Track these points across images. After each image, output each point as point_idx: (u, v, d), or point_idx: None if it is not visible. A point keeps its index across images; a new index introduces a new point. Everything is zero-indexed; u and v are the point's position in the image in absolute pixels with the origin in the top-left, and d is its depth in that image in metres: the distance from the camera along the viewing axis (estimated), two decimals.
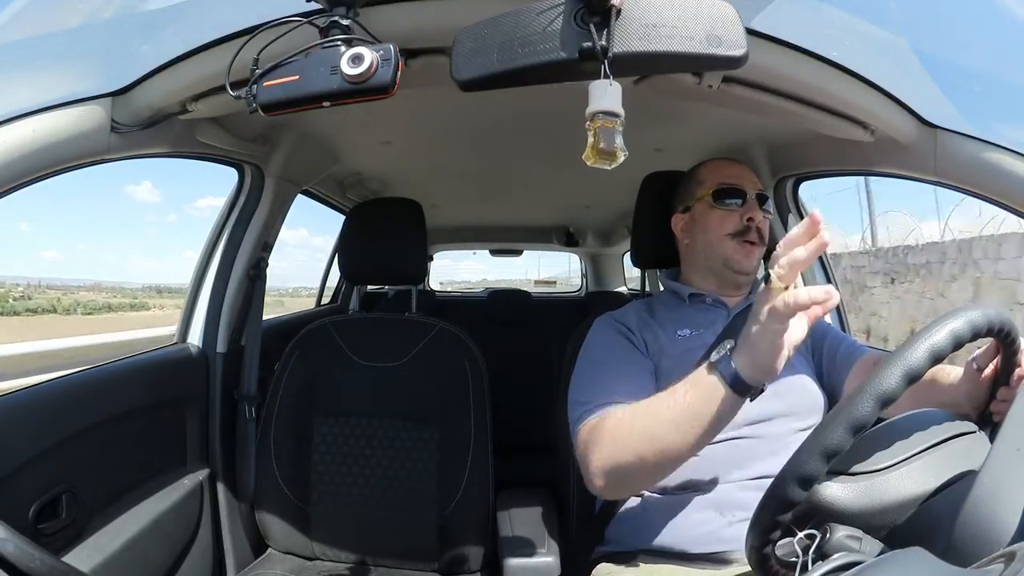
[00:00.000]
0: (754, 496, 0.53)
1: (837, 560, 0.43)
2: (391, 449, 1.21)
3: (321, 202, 1.99)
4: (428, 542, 1.18)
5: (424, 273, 1.95)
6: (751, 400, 0.67)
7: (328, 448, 1.22)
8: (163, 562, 1.08)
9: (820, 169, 1.27)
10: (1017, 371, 0.61)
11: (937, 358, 0.48)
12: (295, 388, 1.25)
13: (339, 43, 0.60)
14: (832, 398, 0.96)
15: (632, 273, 3.33)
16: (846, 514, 0.46)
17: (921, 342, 0.48)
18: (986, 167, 0.82)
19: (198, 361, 1.25)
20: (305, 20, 0.63)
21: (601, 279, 3.47)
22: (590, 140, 0.53)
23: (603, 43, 0.53)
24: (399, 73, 0.59)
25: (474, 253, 3.91)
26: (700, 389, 0.67)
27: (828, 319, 1.36)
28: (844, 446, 0.46)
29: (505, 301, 2.72)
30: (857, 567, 0.40)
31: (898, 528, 0.46)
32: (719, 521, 0.86)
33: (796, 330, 0.61)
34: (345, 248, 1.38)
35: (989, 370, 0.65)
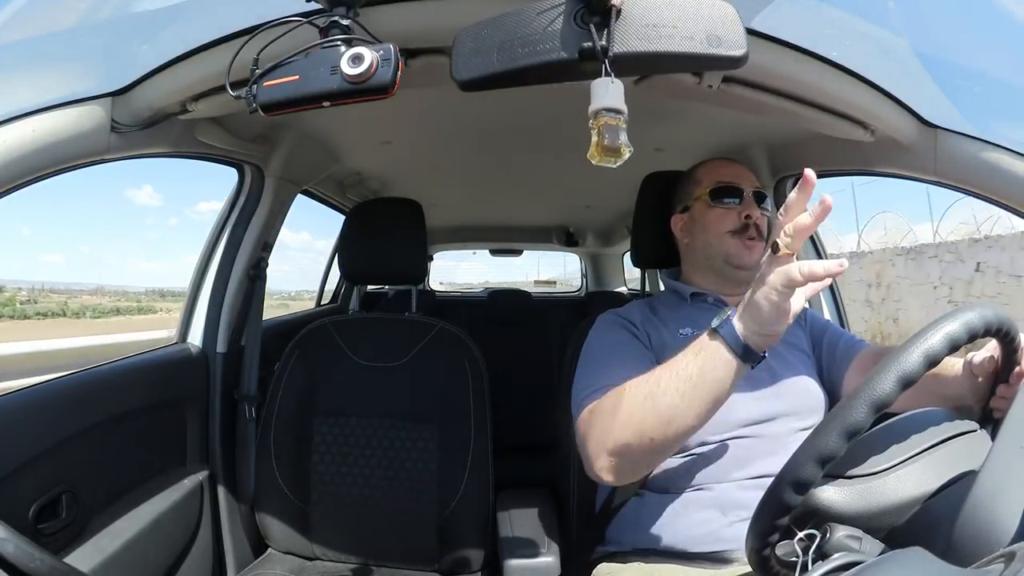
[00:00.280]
0: (755, 496, 0.53)
1: (837, 560, 0.43)
2: (391, 449, 1.21)
3: (321, 202, 1.99)
4: (428, 542, 1.18)
5: (424, 273, 1.95)
6: (752, 368, 0.68)
7: (328, 448, 1.22)
8: (163, 562, 1.08)
9: (820, 169, 1.26)
10: (1017, 369, 0.61)
11: (932, 362, 0.47)
12: (295, 388, 1.25)
13: (339, 43, 0.60)
14: (832, 394, 0.96)
15: (632, 273, 3.33)
16: (843, 517, 0.46)
17: (916, 346, 0.48)
18: (986, 167, 0.82)
19: (198, 361, 1.25)
20: (305, 20, 0.63)
21: (601, 279, 3.47)
22: (594, 138, 0.53)
23: (603, 43, 0.53)
24: (399, 73, 0.59)
25: (474, 253, 3.91)
26: (703, 354, 0.67)
27: (828, 315, 1.36)
28: (839, 452, 0.46)
29: (505, 301, 2.72)
30: (857, 567, 0.39)
31: (898, 528, 0.46)
32: (720, 521, 0.86)
33: (798, 299, 0.63)
34: (345, 248, 1.38)
35: (990, 367, 0.65)
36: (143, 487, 1.07)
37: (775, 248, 0.59)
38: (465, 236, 3.24)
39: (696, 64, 0.62)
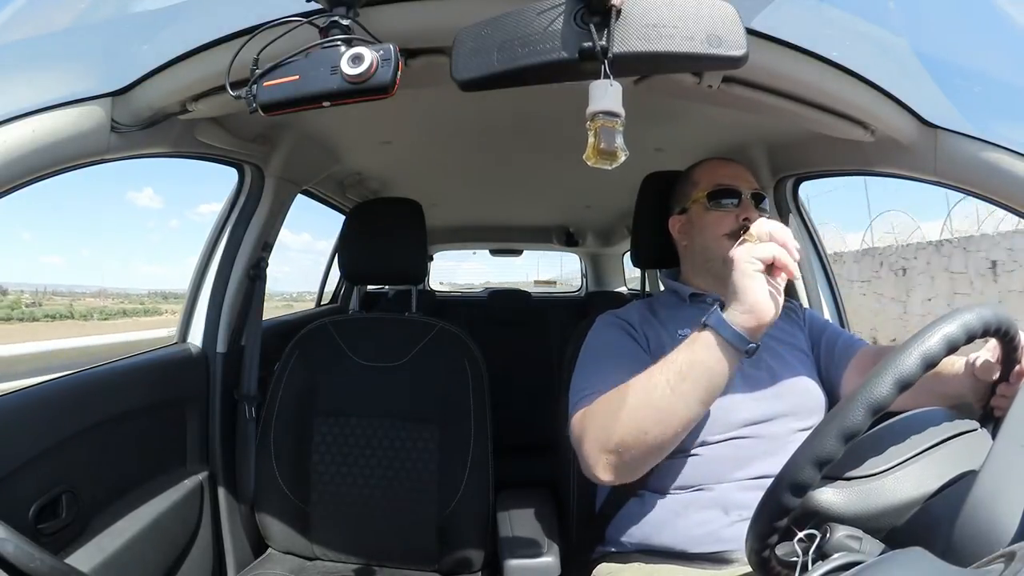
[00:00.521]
0: (755, 496, 0.53)
1: (837, 560, 0.43)
2: (391, 449, 1.21)
3: (321, 202, 1.99)
4: (428, 542, 1.18)
5: (424, 273, 1.95)
6: (747, 356, 0.70)
7: (328, 448, 1.22)
8: (163, 562, 1.08)
9: (820, 169, 1.27)
10: (1017, 368, 0.60)
11: (930, 364, 0.47)
12: (295, 388, 1.25)
13: (339, 43, 0.60)
14: (832, 393, 0.97)
15: (632, 273, 3.33)
16: (842, 518, 0.46)
17: (914, 348, 0.47)
18: (986, 167, 0.82)
19: (198, 361, 1.25)
20: (305, 20, 0.63)
21: (601, 279, 3.47)
22: (591, 140, 0.53)
23: (603, 43, 0.53)
24: (399, 73, 0.59)
25: (474, 253, 3.91)
26: (693, 346, 0.69)
27: (827, 315, 1.36)
28: (836, 454, 0.46)
29: (505, 301, 2.72)
30: (857, 567, 0.39)
31: (898, 528, 0.46)
32: (720, 521, 0.86)
33: (778, 282, 0.69)
34: (345, 248, 1.38)
35: (991, 368, 0.65)
36: (143, 487, 1.07)
37: (744, 230, 0.69)
38: (465, 236, 3.24)
39: (696, 64, 0.62)
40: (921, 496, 0.47)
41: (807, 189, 1.43)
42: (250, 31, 0.67)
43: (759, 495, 0.51)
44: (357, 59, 0.58)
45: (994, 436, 0.45)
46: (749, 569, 0.53)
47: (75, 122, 0.75)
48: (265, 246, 1.36)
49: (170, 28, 0.82)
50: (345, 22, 0.62)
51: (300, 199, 1.54)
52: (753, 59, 0.57)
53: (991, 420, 0.61)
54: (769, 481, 0.50)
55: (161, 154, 0.97)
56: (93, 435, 0.95)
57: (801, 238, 1.41)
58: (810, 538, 0.45)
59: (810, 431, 0.50)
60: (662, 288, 1.13)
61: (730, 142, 1.40)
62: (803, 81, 0.82)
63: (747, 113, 0.98)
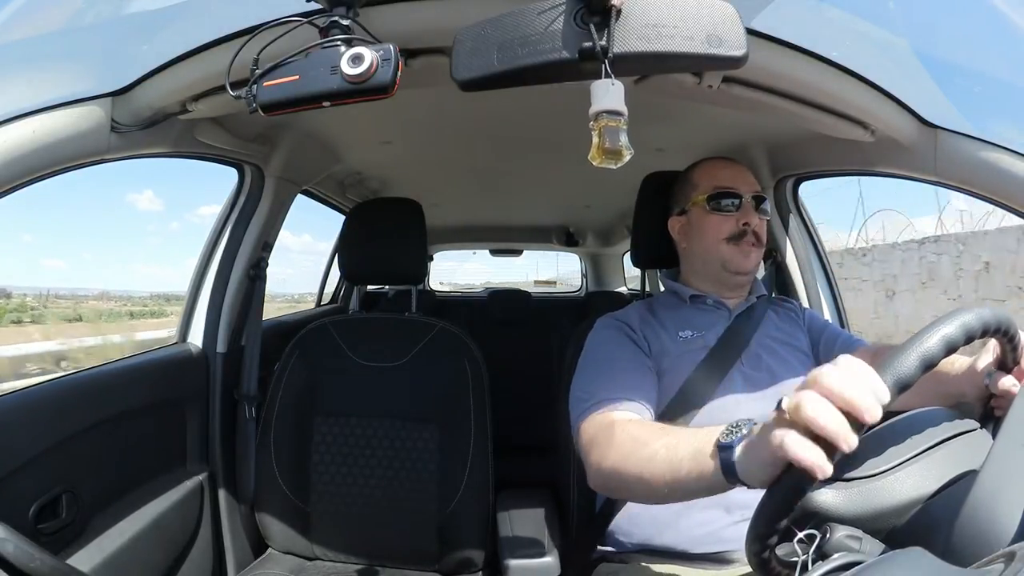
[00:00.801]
0: (756, 496, 0.53)
1: (837, 560, 0.43)
2: (391, 449, 1.21)
3: (321, 202, 1.99)
4: (428, 542, 1.18)
5: (424, 273, 1.94)
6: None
7: (328, 448, 1.22)
8: (163, 562, 1.08)
9: (820, 169, 1.27)
10: (1018, 367, 0.60)
11: (928, 366, 0.47)
12: (295, 388, 1.25)
13: (339, 43, 0.60)
14: None
15: (632, 273, 3.33)
16: (842, 519, 0.46)
17: (911, 351, 0.47)
18: (986, 167, 0.82)
19: (198, 361, 1.25)
20: (305, 20, 0.63)
21: (601, 279, 3.47)
22: (595, 140, 0.53)
23: (603, 43, 0.53)
24: (399, 73, 0.59)
25: (474, 253, 3.91)
26: (698, 459, 0.60)
27: (827, 315, 1.36)
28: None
29: (505, 301, 2.72)
30: (857, 567, 0.39)
31: (898, 529, 0.46)
32: (721, 521, 0.87)
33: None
34: (345, 248, 1.38)
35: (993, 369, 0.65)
36: (143, 487, 1.07)
37: (779, 407, 0.48)
38: (465, 236, 3.24)
39: (696, 64, 0.62)
40: (921, 496, 0.47)
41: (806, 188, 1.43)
42: (250, 31, 0.67)
43: (760, 495, 0.51)
44: (357, 59, 0.58)
45: (994, 436, 0.45)
46: (750, 569, 0.53)
47: (75, 122, 0.75)
48: (265, 246, 1.36)
49: (170, 28, 0.82)
50: (345, 22, 0.62)
51: (299, 199, 1.54)
52: (753, 59, 0.57)
53: (991, 420, 0.61)
54: None
55: (161, 154, 0.97)
56: (93, 435, 0.95)
57: (801, 238, 1.41)
58: (810, 538, 0.45)
59: None
60: (662, 288, 1.13)
61: (730, 142, 1.40)
62: (803, 81, 0.82)
63: (747, 113, 0.98)
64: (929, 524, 0.45)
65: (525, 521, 1.20)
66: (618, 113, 0.53)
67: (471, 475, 1.18)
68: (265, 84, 0.62)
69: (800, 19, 0.79)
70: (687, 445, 0.61)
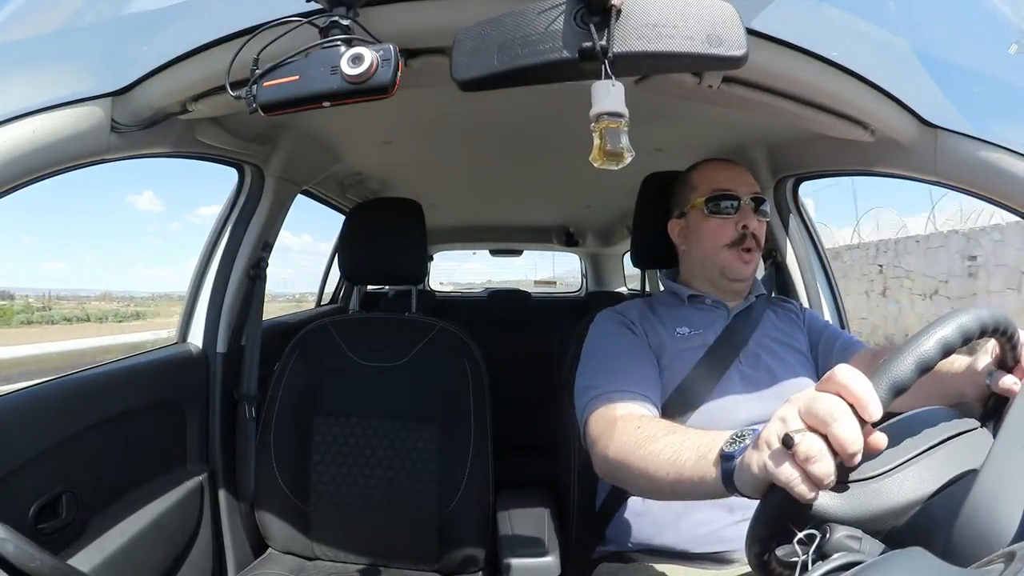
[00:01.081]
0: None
1: (837, 560, 0.43)
2: (391, 449, 1.21)
3: (321, 202, 1.99)
4: (428, 542, 1.18)
5: (424, 273, 1.94)
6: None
7: (328, 448, 1.22)
8: (163, 562, 1.08)
9: (820, 169, 1.27)
10: (1017, 367, 0.60)
11: (925, 369, 0.47)
12: (295, 388, 1.25)
13: (339, 43, 0.60)
14: None
15: (632, 273, 3.33)
16: (842, 521, 0.46)
17: (908, 354, 0.47)
18: (986, 167, 0.82)
19: (198, 361, 1.25)
20: (305, 20, 0.63)
21: (601, 279, 3.47)
22: (596, 142, 0.53)
23: (603, 43, 0.53)
24: (399, 73, 0.59)
25: (474, 253, 3.91)
26: (701, 464, 0.60)
27: (827, 316, 1.36)
28: None
29: (505, 301, 2.72)
30: (857, 567, 0.39)
31: (898, 529, 0.46)
32: (722, 521, 0.87)
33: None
34: (345, 248, 1.38)
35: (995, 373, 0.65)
36: (143, 487, 1.07)
37: (787, 443, 0.45)
38: (465, 236, 3.24)
39: (696, 64, 0.62)
40: (921, 497, 0.47)
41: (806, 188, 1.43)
42: (250, 31, 0.67)
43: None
44: (357, 59, 0.58)
45: (994, 436, 0.45)
46: (750, 569, 0.53)
47: (75, 122, 0.75)
48: (265, 246, 1.36)
49: (170, 28, 0.81)
50: (345, 22, 0.62)
51: (300, 199, 1.54)
52: (753, 59, 0.57)
53: (991, 420, 0.61)
54: None
55: (161, 154, 0.97)
56: (93, 435, 0.95)
57: (801, 238, 1.41)
58: (810, 538, 0.45)
59: None
60: (661, 288, 1.13)
61: (730, 142, 1.40)
62: (803, 81, 0.82)
63: (747, 113, 0.98)
64: (929, 524, 0.45)
65: (525, 521, 1.20)
66: (619, 115, 0.53)
67: (471, 475, 1.18)
68: (265, 84, 0.62)
69: (800, 19, 0.79)
70: (692, 448, 0.62)
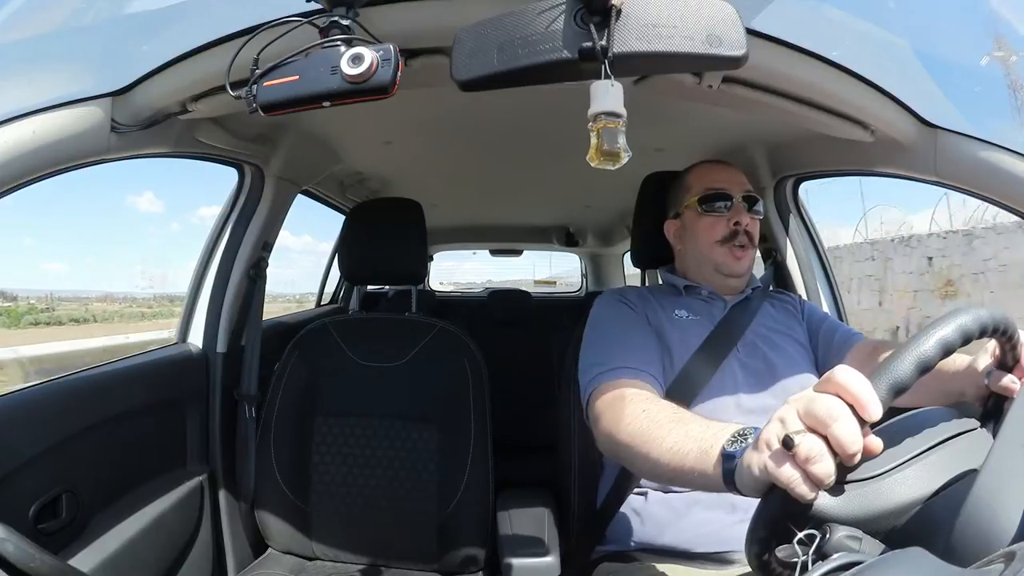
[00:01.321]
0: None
1: (837, 560, 0.42)
2: (391, 449, 1.21)
3: (321, 202, 1.99)
4: (428, 542, 1.18)
5: (424, 273, 1.94)
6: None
7: (328, 448, 1.22)
8: (163, 562, 1.08)
9: (820, 169, 1.28)
10: (1017, 367, 0.60)
11: (925, 369, 0.47)
12: (295, 388, 1.25)
13: (339, 43, 0.60)
14: None
15: (632, 272, 3.33)
16: (841, 521, 0.46)
17: (908, 354, 0.47)
18: (986, 167, 0.82)
19: (198, 361, 1.25)
20: (305, 20, 0.63)
21: (601, 279, 3.47)
22: (593, 141, 0.53)
23: (603, 43, 0.53)
24: (399, 73, 0.59)
25: (474, 253, 3.91)
26: (702, 460, 0.60)
27: (825, 308, 1.36)
28: None
29: (505, 301, 2.71)
30: (857, 567, 0.39)
31: (898, 529, 0.46)
32: (723, 521, 0.87)
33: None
34: (345, 248, 1.38)
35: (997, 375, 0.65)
36: (143, 487, 1.07)
37: (787, 444, 0.45)
38: (465, 236, 3.24)
39: (696, 64, 0.62)
40: (921, 497, 0.47)
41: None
42: (250, 31, 0.67)
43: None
44: (357, 59, 0.58)
45: (994, 436, 0.45)
46: (751, 569, 0.53)
47: (75, 122, 0.75)
48: (265, 246, 1.36)
49: (170, 28, 0.82)
50: (345, 22, 0.62)
51: (300, 199, 1.54)
52: (753, 59, 0.57)
53: (991, 420, 0.61)
54: None
55: (161, 154, 0.97)
56: (93, 435, 0.95)
57: (801, 238, 1.41)
58: (810, 539, 0.45)
59: None
60: (660, 282, 1.14)
61: (730, 142, 1.40)
62: (803, 81, 0.82)
63: (747, 113, 0.98)
64: (929, 524, 0.45)
65: (525, 521, 1.20)
66: (617, 115, 0.53)
67: (471, 475, 1.18)
68: (265, 84, 0.62)
69: (800, 19, 0.79)
70: (695, 440, 0.62)
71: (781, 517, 0.47)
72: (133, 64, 0.79)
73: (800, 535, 0.46)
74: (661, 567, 0.87)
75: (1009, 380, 0.60)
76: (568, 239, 3.15)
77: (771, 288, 1.14)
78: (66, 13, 0.88)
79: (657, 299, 1.03)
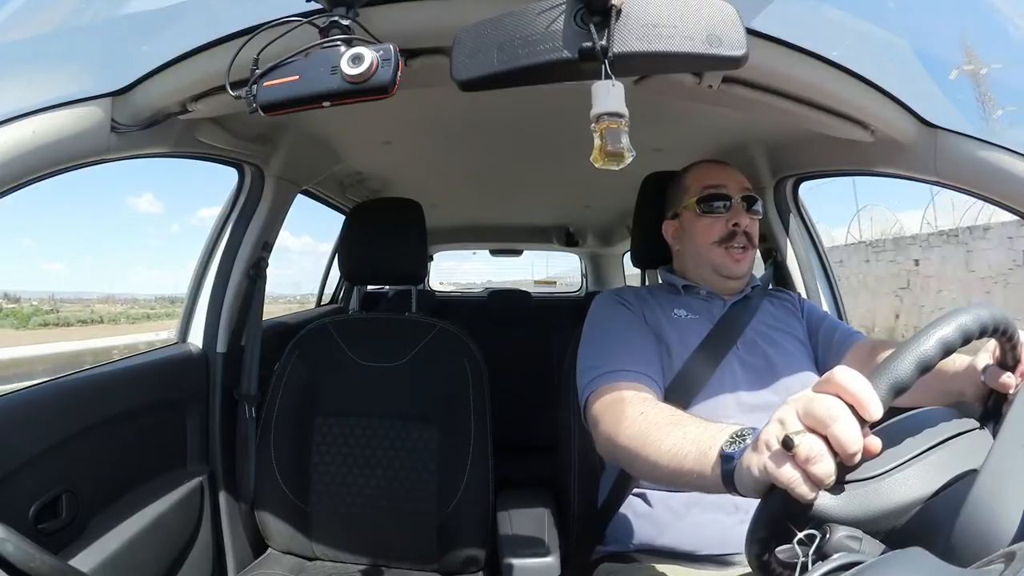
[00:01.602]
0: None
1: (837, 560, 0.42)
2: (391, 449, 1.21)
3: (321, 202, 1.99)
4: (428, 542, 1.18)
5: (424, 273, 1.94)
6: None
7: (328, 448, 1.22)
8: (163, 562, 1.08)
9: (820, 169, 1.28)
10: (1019, 367, 0.60)
11: (925, 369, 0.47)
12: (295, 388, 1.25)
13: (339, 43, 0.60)
14: None
15: (632, 272, 3.33)
16: (841, 521, 0.46)
17: (908, 354, 0.47)
18: (986, 167, 0.82)
19: (198, 361, 1.25)
20: (305, 20, 0.63)
21: (601, 279, 3.47)
22: (596, 142, 0.53)
23: (603, 43, 0.53)
24: (399, 73, 0.59)
25: (474, 253, 3.91)
26: (701, 461, 0.60)
27: (825, 307, 1.36)
28: None
29: (505, 301, 2.72)
30: (857, 567, 0.39)
31: (898, 529, 0.46)
32: (723, 522, 0.86)
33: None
34: (345, 248, 1.38)
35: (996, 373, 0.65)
36: (143, 487, 1.07)
37: (787, 444, 0.45)
38: (465, 236, 3.24)
39: (696, 64, 0.62)
40: (921, 497, 0.46)
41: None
42: (250, 31, 0.67)
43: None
44: (357, 59, 0.58)
45: (994, 436, 0.45)
46: (751, 570, 0.53)
47: (75, 122, 0.75)
48: (265, 246, 1.36)
49: (170, 28, 0.82)
50: (345, 22, 0.62)
51: (300, 200, 1.54)
52: (753, 59, 0.57)
53: (991, 420, 0.61)
54: None
55: (161, 154, 0.97)
56: (93, 435, 0.95)
57: (801, 238, 1.41)
58: (810, 539, 0.45)
59: None
60: (660, 282, 1.14)
61: (730, 142, 1.40)
62: (803, 81, 0.82)
63: (747, 113, 0.98)
64: (929, 524, 0.45)
65: (525, 521, 1.20)
66: (619, 115, 0.53)
67: (471, 475, 1.18)
68: (265, 84, 0.62)
69: (800, 19, 0.79)
70: (693, 442, 0.62)
71: (781, 517, 0.47)
72: (133, 64, 0.79)
73: (800, 535, 0.45)
74: (661, 568, 0.87)
75: (1006, 376, 0.60)
76: (568, 239, 3.15)
77: (770, 287, 1.14)
78: (66, 13, 0.88)
79: (655, 299, 1.03)
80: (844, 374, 0.46)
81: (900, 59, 0.89)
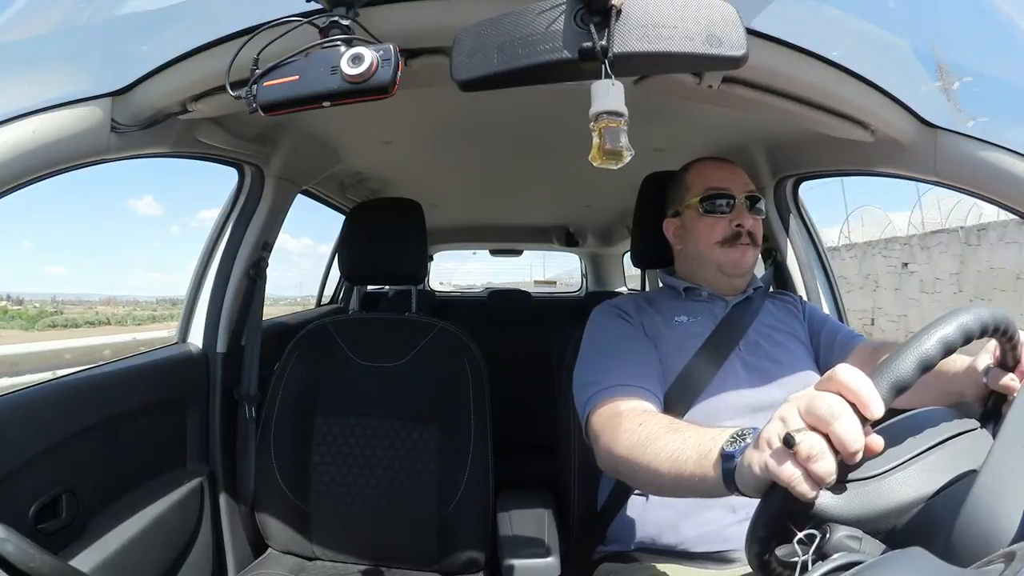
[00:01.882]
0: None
1: (837, 560, 0.42)
2: (391, 449, 1.21)
3: (321, 202, 1.99)
4: (428, 542, 1.18)
5: (424, 273, 1.94)
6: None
7: (328, 448, 1.22)
8: (163, 562, 1.08)
9: (820, 169, 1.27)
10: (1017, 367, 0.60)
11: (926, 368, 0.47)
12: (295, 388, 1.25)
13: (339, 43, 0.60)
14: None
15: (632, 272, 3.33)
16: (841, 521, 0.46)
17: (909, 353, 0.47)
18: (986, 167, 0.82)
19: (198, 361, 1.25)
20: (305, 20, 0.63)
21: (601, 279, 3.48)
22: (595, 141, 0.53)
23: (603, 43, 0.53)
24: (399, 73, 0.59)
25: (474, 253, 3.91)
26: (702, 464, 0.60)
27: (826, 309, 1.36)
28: None
29: (505, 301, 2.72)
30: (857, 567, 0.39)
31: (898, 529, 0.46)
32: (724, 520, 0.87)
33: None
34: (345, 248, 1.38)
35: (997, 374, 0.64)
36: (143, 487, 1.07)
37: (788, 442, 0.45)
38: (465, 236, 3.24)
39: (696, 64, 0.62)
40: (921, 497, 0.47)
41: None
42: (250, 31, 0.67)
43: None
44: (357, 59, 0.58)
45: (994, 436, 0.45)
46: (751, 569, 0.53)
47: (75, 122, 0.75)
48: (265, 246, 1.36)
49: (170, 28, 0.81)
50: (345, 22, 0.62)
51: (300, 201, 1.54)
52: (753, 59, 0.57)
53: (991, 420, 0.61)
54: None
55: (161, 154, 0.97)
56: (93, 435, 0.95)
57: (801, 238, 1.41)
58: (810, 538, 0.45)
59: None
60: (660, 285, 1.13)
61: (730, 142, 1.40)
62: (803, 81, 0.82)
63: (747, 113, 0.98)
64: (929, 524, 0.45)
65: (526, 521, 1.20)
66: (618, 114, 0.53)
67: (471, 475, 1.18)
68: (265, 84, 0.62)
69: (800, 19, 0.79)
70: (693, 447, 0.62)
71: (781, 516, 0.47)
72: (133, 64, 0.79)
73: (800, 535, 0.45)
74: (662, 567, 0.87)
75: (1008, 378, 0.60)
76: (568, 239, 3.15)
77: (771, 288, 1.14)
78: (66, 13, 0.88)
79: (655, 306, 1.02)
80: (846, 372, 0.46)
81: (900, 59, 0.88)
